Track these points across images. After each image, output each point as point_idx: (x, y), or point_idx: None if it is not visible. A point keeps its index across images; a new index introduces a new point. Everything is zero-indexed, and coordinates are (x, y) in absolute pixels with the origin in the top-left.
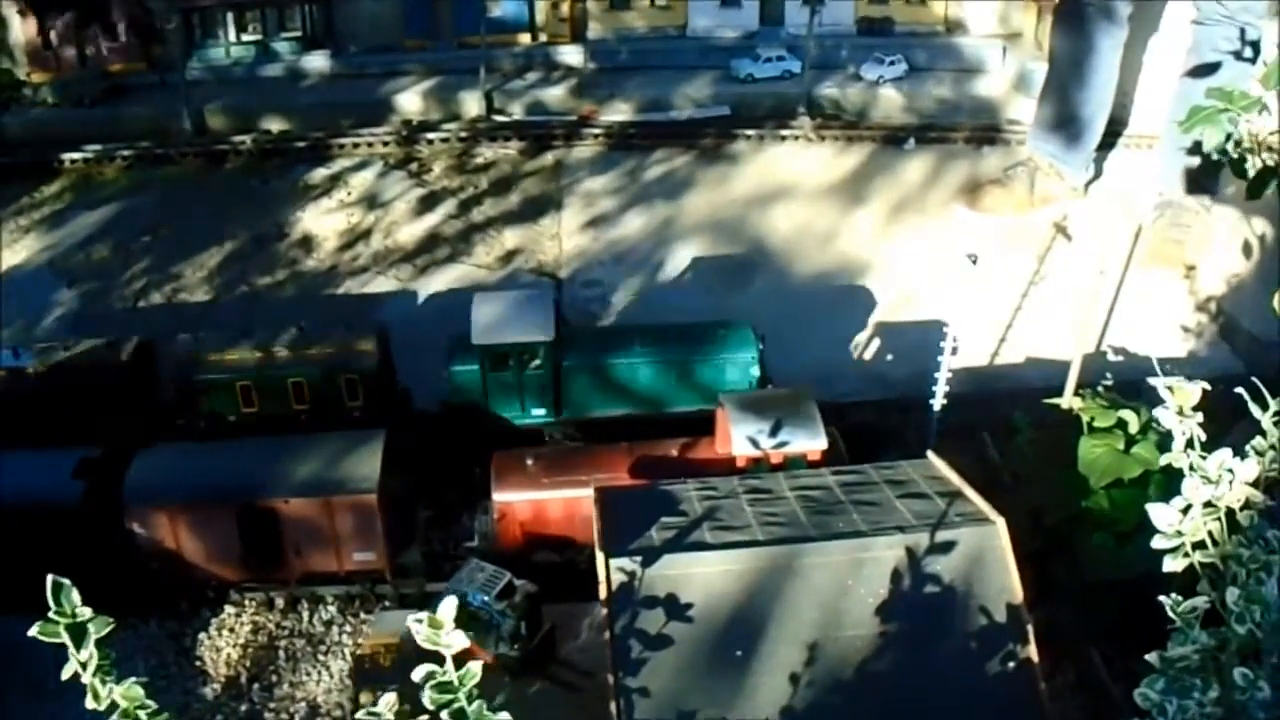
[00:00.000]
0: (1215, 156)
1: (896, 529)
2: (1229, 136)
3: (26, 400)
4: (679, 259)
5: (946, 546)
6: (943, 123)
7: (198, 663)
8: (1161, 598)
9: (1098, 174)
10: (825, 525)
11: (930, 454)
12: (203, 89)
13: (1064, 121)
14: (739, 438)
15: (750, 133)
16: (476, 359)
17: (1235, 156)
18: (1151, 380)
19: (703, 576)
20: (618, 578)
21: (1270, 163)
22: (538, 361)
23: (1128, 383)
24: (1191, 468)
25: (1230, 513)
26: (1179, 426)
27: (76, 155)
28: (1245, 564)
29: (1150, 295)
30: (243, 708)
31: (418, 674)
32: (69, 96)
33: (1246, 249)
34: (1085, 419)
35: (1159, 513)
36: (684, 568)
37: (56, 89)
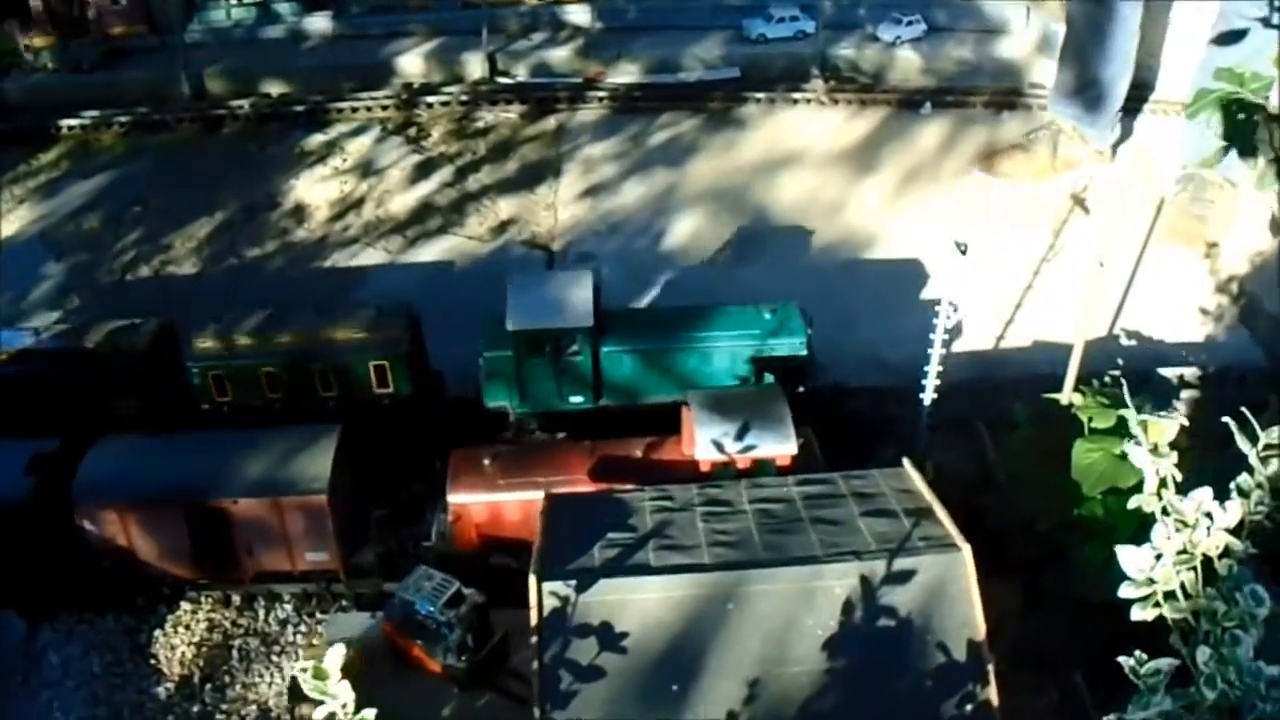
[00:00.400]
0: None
1: (853, 555)
2: (1243, 106)
3: (38, 384)
4: (678, 231)
5: (905, 576)
6: (961, 86)
7: (152, 660)
8: (1122, 659)
9: (1125, 136)
10: (778, 547)
11: (906, 462)
12: (203, 52)
13: (1084, 85)
14: (703, 440)
15: (760, 96)
16: (511, 344)
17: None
18: (1162, 371)
19: (640, 604)
20: (550, 602)
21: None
22: (575, 347)
23: (1139, 371)
24: (1165, 511)
25: (1207, 561)
26: (1151, 466)
27: (74, 122)
28: (1219, 621)
29: (1168, 274)
30: (194, 709)
31: (319, 715)
32: (68, 61)
33: (1274, 226)
34: (1083, 418)
35: (1129, 556)
36: (621, 594)
37: (56, 53)
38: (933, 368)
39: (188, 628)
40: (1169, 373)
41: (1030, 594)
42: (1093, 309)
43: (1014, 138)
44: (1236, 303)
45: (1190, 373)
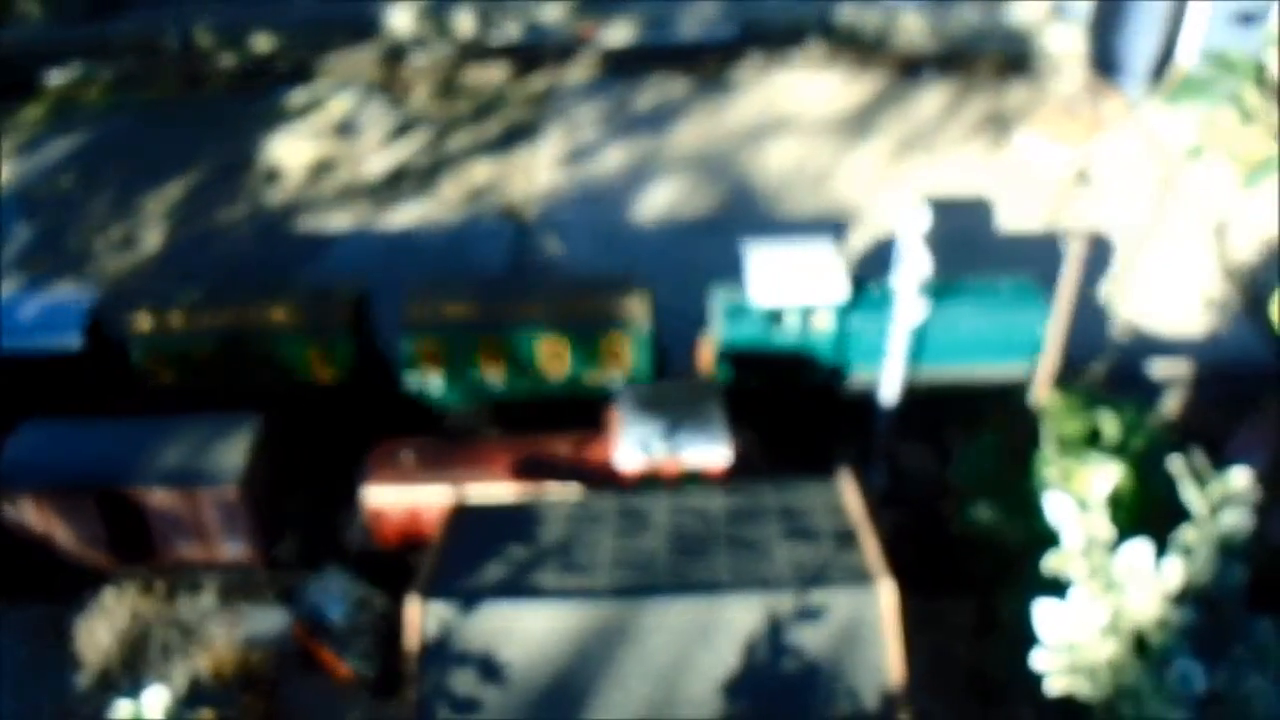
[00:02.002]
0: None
1: (760, 585)
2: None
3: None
4: (654, 200)
5: (816, 612)
6: (967, 51)
7: (75, 648)
8: None
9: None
10: (683, 572)
11: (844, 472)
12: (194, 4)
13: (1114, 43)
14: (627, 446)
15: (755, 56)
16: (756, 318)
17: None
18: (1151, 366)
19: (525, 632)
20: (432, 625)
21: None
22: (827, 320)
23: (1130, 365)
24: (1091, 575)
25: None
26: (1076, 523)
27: (62, 77)
28: (1144, 701)
29: (1174, 258)
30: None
31: None
32: (58, 11)
33: None
34: (1050, 427)
35: (1046, 615)
36: (507, 620)
37: (46, 2)
38: (895, 364)
39: (111, 616)
40: (1159, 368)
41: (984, 614)
42: (1068, 303)
43: (1054, 101)
44: (1243, 293)
45: (1182, 368)
